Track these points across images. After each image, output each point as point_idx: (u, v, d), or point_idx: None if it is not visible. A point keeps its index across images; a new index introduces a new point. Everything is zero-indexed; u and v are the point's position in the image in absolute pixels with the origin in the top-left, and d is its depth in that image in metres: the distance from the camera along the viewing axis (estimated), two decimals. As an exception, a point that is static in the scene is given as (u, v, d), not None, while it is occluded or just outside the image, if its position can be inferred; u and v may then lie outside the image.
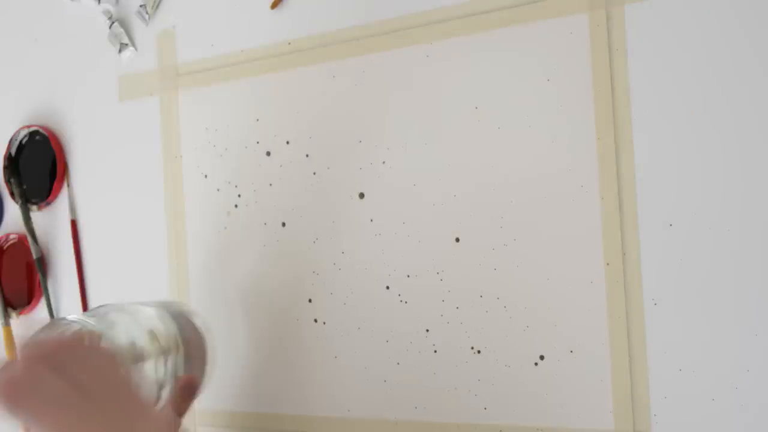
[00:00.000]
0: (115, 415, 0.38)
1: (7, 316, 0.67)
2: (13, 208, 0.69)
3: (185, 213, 0.60)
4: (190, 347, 0.50)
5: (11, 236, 0.68)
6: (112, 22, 0.63)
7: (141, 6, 0.62)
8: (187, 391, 0.46)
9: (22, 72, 0.69)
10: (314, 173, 0.55)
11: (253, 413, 0.57)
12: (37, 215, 0.67)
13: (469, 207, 0.50)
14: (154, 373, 0.45)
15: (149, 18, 0.62)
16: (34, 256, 0.66)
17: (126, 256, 0.63)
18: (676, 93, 0.44)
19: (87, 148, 0.65)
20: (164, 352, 0.47)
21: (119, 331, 0.45)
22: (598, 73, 0.46)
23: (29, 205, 0.67)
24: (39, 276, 0.66)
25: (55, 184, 0.65)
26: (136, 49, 0.63)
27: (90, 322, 0.44)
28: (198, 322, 0.52)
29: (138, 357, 0.45)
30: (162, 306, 0.51)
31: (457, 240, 0.50)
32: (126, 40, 0.63)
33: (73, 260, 0.65)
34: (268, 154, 0.56)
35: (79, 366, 0.38)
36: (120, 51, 0.63)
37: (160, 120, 0.61)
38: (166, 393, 0.46)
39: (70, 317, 0.45)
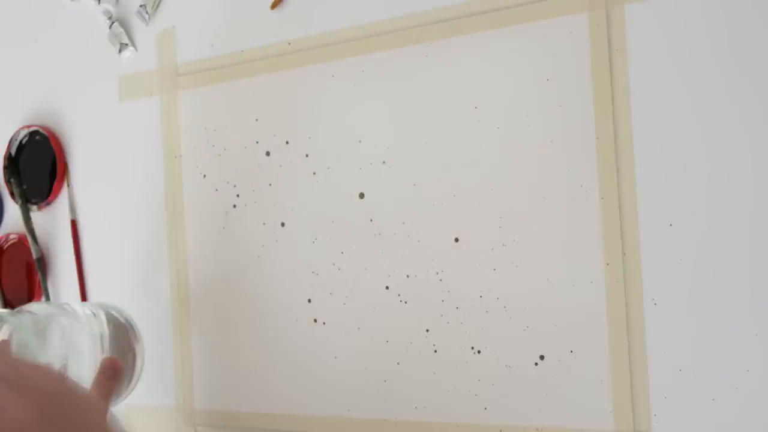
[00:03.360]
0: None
1: (7, 316, 0.68)
2: (13, 208, 0.69)
3: (184, 213, 0.60)
4: (116, 335, 0.54)
5: (11, 236, 0.68)
6: (112, 22, 0.63)
7: (141, 6, 0.62)
8: (109, 373, 0.47)
9: (22, 72, 0.69)
10: (314, 173, 0.55)
11: (253, 413, 0.57)
12: (37, 215, 0.67)
13: (469, 207, 0.50)
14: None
15: (149, 18, 0.62)
16: (34, 256, 0.66)
17: (126, 256, 0.63)
18: (676, 93, 0.44)
19: (87, 148, 0.65)
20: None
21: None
22: (597, 73, 0.46)
23: (29, 205, 0.67)
24: (39, 276, 0.66)
25: (55, 184, 0.65)
26: (136, 49, 0.63)
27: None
28: (122, 316, 0.56)
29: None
30: (95, 304, 0.56)
31: (457, 240, 0.50)
32: (126, 40, 0.63)
33: (73, 260, 0.65)
34: (268, 154, 0.56)
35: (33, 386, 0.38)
36: (120, 51, 0.63)
37: (160, 120, 0.61)
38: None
39: None
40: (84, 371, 0.50)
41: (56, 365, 0.48)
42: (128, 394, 0.57)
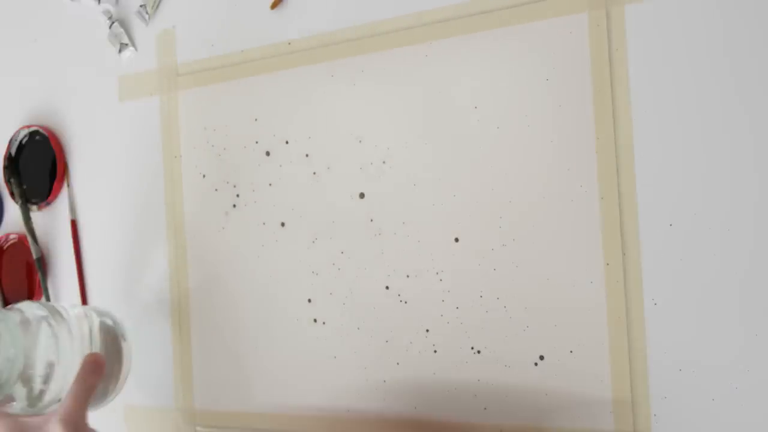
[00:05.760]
0: None
1: (7, 316, 0.68)
2: (13, 208, 0.69)
3: (184, 213, 0.60)
4: (105, 338, 0.55)
5: (11, 236, 0.68)
6: (112, 22, 0.63)
7: (141, 6, 0.62)
8: (91, 367, 0.49)
9: (21, 72, 0.69)
10: (314, 173, 0.55)
11: (252, 413, 0.57)
12: (37, 215, 0.67)
13: (469, 207, 0.50)
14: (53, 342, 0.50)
15: (149, 18, 0.62)
16: (34, 256, 0.66)
17: (126, 256, 0.63)
18: (676, 93, 0.44)
19: (87, 148, 0.65)
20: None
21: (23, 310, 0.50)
22: (597, 73, 0.46)
23: (29, 205, 0.67)
24: (39, 276, 0.66)
25: (55, 184, 0.65)
26: (136, 49, 0.63)
27: None
28: (112, 320, 0.57)
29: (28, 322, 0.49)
30: (86, 307, 0.57)
31: (457, 240, 0.50)
32: (126, 40, 0.63)
33: (73, 260, 0.65)
34: (268, 153, 0.56)
35: None
36: (120, 51, 0.63)
37: (160, 120, 0.61)
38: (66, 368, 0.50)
39: None
40: (70, 371, 0.50)
41: (43, 364, 0.49)
42: (114, 397, 0.57)
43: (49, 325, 0.50)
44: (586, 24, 0.46)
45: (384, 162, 0.52)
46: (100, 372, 0.50)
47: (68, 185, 0.66)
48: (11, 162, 0.68)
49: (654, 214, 0.45)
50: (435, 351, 0.51)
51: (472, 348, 0.50)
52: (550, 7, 0.47)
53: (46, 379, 0.49)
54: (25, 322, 0.49)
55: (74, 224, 0.65)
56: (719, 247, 0.43)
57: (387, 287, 0.52)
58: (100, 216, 0.64)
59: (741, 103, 0.43)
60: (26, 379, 0.48)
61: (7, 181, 0.68)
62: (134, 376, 0.62)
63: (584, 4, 0.46)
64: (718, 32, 0.43)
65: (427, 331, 0.51)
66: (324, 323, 0.54)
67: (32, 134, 0.67)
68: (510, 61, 0.49)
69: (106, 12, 0.63)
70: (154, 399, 0.61)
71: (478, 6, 0.49)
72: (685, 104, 0.44)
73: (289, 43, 0.56)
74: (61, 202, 0.66)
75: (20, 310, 0.50)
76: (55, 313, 0.51)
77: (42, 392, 0.48)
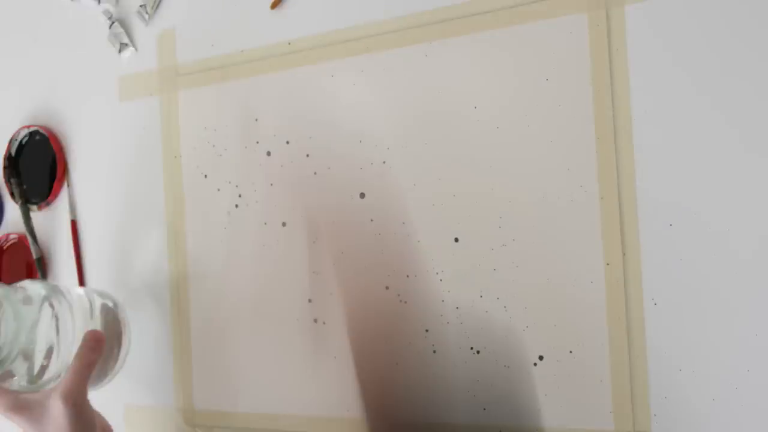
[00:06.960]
0: None
1: (7, 316, 0.68)
2: (13, 208, 0.69)
3: (185, 213, 0.60)
4: (105, 317, 0.56)
5: (11, 236, 0.68)
6: (112, 22, 0.63)
7: (141, 6, 0.62)
8: (92, 344, 0.50)
9: (22, 72, 0.69)
10: (315, 173, 0.55)
11: (253, 413, 0.57)
12: (37, 215, 0.67)
13: (469, 207, 0.50)
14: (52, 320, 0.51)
15: (149, 18, 0.62)
16: (34, 256, 0.66)
17: (126, 257, 0.63)
18: (676, 93, 0.44)
19: (87, 148, 0.65)
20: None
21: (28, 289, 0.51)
22: (597, 73, 0.46)
23: (29, 205, 0.67)
24: (39, 276, 0.66)
25: (55, 184, 0.65)
26: (136, 49, 0.63)
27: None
28: (112, 302, 0.58)
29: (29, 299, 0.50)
30: (87, 288, 0.58)
31: (457, 240, 0.50)
32: (126, 40, 0.63)
33: (73, 260, 0.65)
34: (269, 154, 0.56)
35: None
36: (120, 51, 0.63)
37: (160, 120, 0.61)
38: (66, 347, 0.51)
39: None
40: (70, 349, 0.50)
41: (44, 341, 0.49)
42: (112, 377, 0.58)
43: (51, 303, 0.50)
44: (586, 24, 0.46)
45: (384, 162, 0.52)
46: (100, 349, 0.51)
47: (68, 185, 0.66)
48: (11, 162, 0.68)
49: (654, 214, 0.45)
50: (434, 351, 0.51)
51: (472, 348, 0.50)
52: (550, 7, 0.47)
53: (47, 356, 0.49)
54: (28, 300, 0.49)
55: (74, 224, 0.65)
56: (719, 247, 0.43)
57: (387, 287, 0.52)
58: (100, 216, 0.64)
59: (741, 103, 0.43)
60: (27, 356, 0.48)
61: (7, 181, 0.68)
62: (134, 376, 0.62)
63: (584, 4, 0.46)
64: (718, 32, 0.43)
65: (427, 331, 0.51)
66: (324, 323, 0.54)
67: (32, 134, 0.67)
68: (510, 61, 0.49)
69: (106, 12, 0.63)
70: (154, 399, 0.61)
71: (478, 6, 0.49)
72: (684, 104, 0.44)
73: (289, 43, 0.56)
74: (61, 202, 0.66)
75: (23, 288, 0.50)
76: (57, 292, 0.51)
77: (43, 369, 0.49)
